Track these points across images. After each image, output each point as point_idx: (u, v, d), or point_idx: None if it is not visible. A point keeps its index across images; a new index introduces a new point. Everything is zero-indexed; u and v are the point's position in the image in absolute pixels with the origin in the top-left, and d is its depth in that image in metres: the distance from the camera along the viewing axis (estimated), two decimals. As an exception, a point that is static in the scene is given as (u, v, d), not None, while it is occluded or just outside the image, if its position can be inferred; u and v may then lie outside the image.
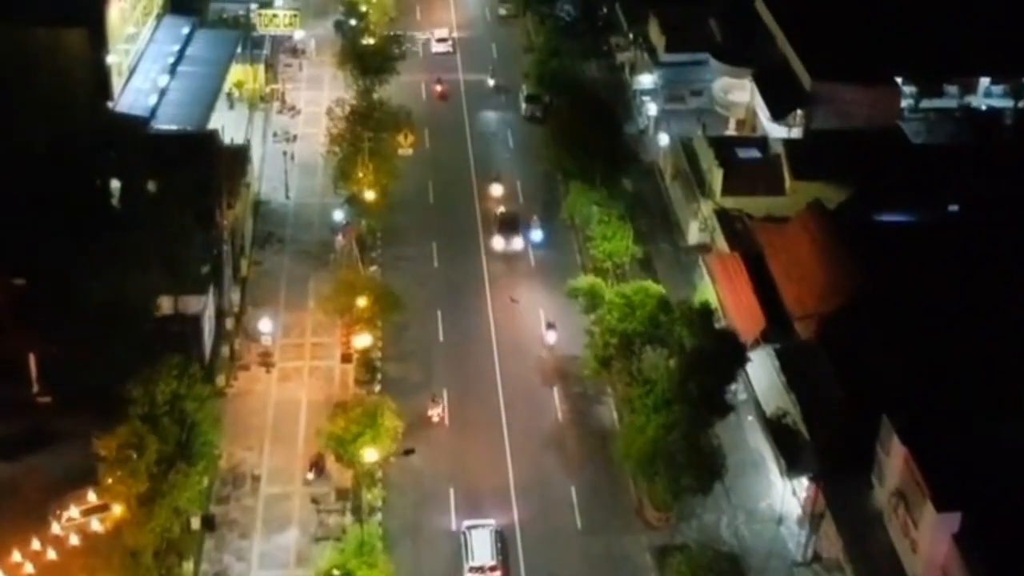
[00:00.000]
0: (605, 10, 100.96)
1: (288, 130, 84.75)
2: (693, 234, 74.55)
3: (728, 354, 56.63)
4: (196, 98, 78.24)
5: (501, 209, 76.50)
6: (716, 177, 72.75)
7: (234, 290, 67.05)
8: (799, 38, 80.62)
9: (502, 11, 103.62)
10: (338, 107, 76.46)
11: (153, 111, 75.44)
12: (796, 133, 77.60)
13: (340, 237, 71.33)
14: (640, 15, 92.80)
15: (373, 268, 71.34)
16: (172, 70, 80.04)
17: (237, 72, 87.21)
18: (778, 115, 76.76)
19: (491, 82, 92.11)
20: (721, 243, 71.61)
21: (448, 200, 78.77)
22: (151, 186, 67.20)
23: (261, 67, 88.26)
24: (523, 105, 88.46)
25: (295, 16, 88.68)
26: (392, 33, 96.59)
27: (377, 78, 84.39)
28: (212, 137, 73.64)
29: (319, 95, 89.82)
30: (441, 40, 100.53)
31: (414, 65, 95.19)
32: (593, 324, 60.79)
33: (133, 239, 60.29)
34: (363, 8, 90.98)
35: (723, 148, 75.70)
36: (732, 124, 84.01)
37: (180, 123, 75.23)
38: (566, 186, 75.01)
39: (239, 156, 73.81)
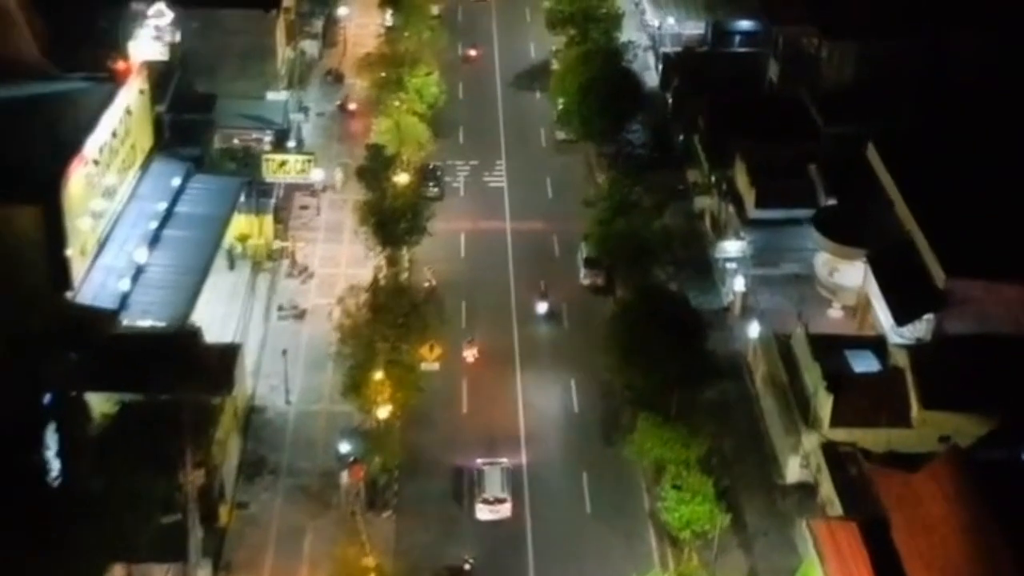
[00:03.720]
0: (682, 137, 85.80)
1: (296, 303, 70.16)
2: (792, 470, 59.07)
3: None
4: (181, 277, 63.91)
5: None
6: (823, 403, 57.38)
7: (203, 564, 52.43)
8: (924, 208, 65.02)
9: (560, 135, 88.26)
10: (352, 297, 61.76)
11: (124, 300, 61.33)
12: (922, 333, 62.16)
13: (346, 475, 56.70)
14: (724, 151, 77.54)
15: (387, 514, 56.67)
16: (155, 237, 65.94)
17: (241, 224, 72.95)
18: (903, 321, 61.08)
19: (543, 308, 71.21)
20: (829, 492, 56.37)
21: (487, 411, 63.61)
22: (109, 411, 54.01)
23: (269, 218, 73.89)
24: (582, 270, 73.40)
25: (308, 161, 73.98)
26: (430, 165, 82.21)
27: (406, 240, 69.91)
28: (194, 338, 59.56)
29: (338, 250, 75.19)
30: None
31: (453, 206, 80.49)
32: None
33: (76, 511, 46.92)
34: (388, 149, 75.76)
35: (831, 355, 60.32)
36: (837, 307, 68.40)
37: (157, 315, 61.12)
38: (632, 409, 59.85)
39: (226, 361, 59.43)
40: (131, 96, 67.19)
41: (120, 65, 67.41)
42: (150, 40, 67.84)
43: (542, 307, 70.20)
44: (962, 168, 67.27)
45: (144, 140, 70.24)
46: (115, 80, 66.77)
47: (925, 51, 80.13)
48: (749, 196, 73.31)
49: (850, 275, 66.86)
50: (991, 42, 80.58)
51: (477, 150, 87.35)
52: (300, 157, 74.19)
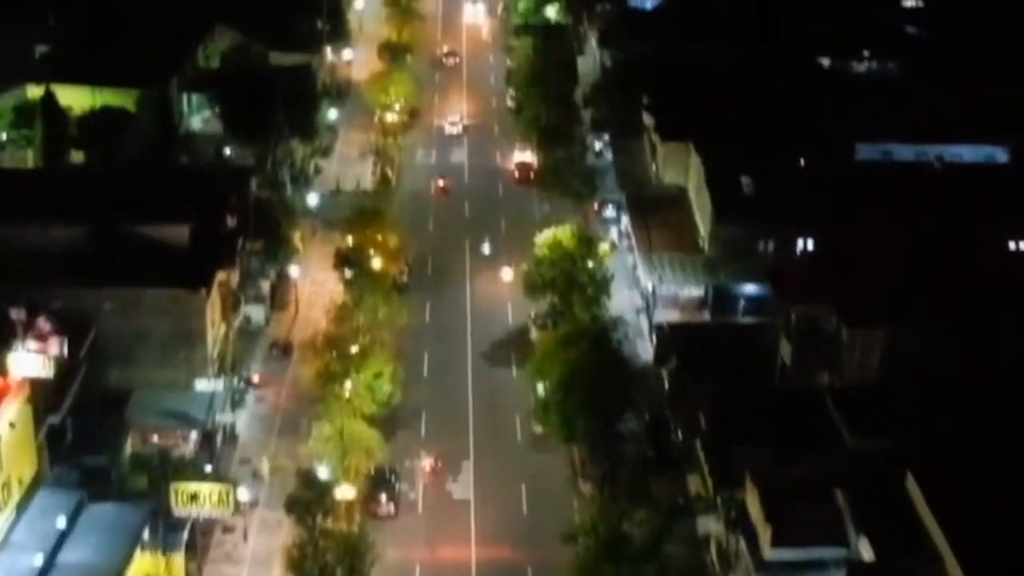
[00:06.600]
0: (681, 435, 73.20)
1: None
2: None
3: None
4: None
5: None
6: None
7: None
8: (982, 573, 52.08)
9: (539, 428, 74.93)
10: None
11: None
12: None
13: None
14: (730, 463, 64.46)
15: None
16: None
17: (145, 565, 59.61)
18: None
19: None
20: None
21: None
22: None
23: (180, 557, 60.54)
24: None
25: (225, 492, 60.88)
26: (385, 470, 69.06)
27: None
28: None
29: (265, 594, 62.00)
30: (454, 124, 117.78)
31: (408, 526, 66.53)
32: None
33: None
34: (330, 460, 62.52)
35: None
36: None
37: None
38: None
39: None
40: (3, 426, 54.70)
41: (-5, 383, 55.46)
42: (31, 354, 55.70)
43: None
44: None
45: (23, 470, 57.55)
46: (-13, 402, 54.69)
47: (966, 341, 68.59)
48: (764, 531, 60.07)
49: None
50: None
51: (441, 446, 74.21)
52: (217, 487, 60.86)
